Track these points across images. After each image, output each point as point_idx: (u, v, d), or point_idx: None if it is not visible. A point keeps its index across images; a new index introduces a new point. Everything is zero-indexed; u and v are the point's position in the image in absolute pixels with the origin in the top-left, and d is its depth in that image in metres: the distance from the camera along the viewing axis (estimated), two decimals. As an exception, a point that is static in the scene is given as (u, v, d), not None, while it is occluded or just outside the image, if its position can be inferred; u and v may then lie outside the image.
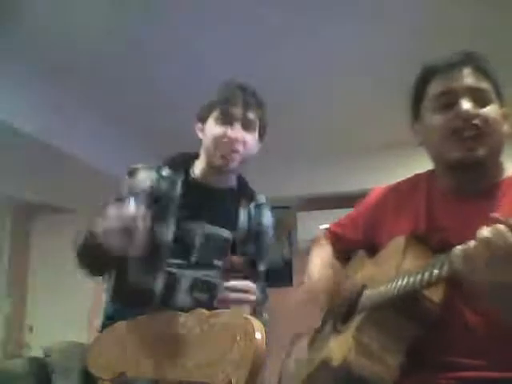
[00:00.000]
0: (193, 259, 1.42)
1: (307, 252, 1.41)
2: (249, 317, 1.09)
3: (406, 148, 2.98)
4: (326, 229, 1.40)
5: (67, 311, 4.76)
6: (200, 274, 1.41)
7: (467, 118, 1.01)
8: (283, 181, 4.16)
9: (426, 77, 1.11)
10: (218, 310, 1.17)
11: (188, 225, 1.43)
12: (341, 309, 1.15)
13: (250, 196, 1.55)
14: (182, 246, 1.42)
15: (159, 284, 1.38)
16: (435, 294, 0.96)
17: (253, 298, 1.28)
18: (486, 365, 0.95)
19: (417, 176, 1.22)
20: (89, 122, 3.64)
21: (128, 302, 1.41)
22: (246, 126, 1.43)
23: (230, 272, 1.31)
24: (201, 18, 2.56)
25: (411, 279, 0.91)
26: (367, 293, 1.06)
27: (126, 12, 2.51)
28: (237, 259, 1.35)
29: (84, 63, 2.94)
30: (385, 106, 3.41)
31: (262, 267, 1.55)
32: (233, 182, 1.55)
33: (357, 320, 1.02)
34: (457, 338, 0.97)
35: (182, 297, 1.39)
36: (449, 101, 1.04)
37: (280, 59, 2.95)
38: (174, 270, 1.40)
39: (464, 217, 1.03)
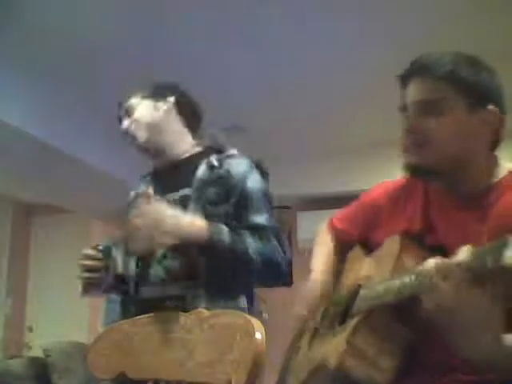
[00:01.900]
0: None
1: (307, 252, 1.41)
2: (249, 317, 1.09)
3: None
4: (328, 221, 1.40)
5: (67, 311, 4.76)
6: None
7: (408, 134, 1.07)
8: (283, 181, 4.16)
9: (401, 85, 1.13)
10: (218, 311, 1.17)
11: None
12: (338, 309, 1.15)
13: (215, 152, 1.53)
14: None
15: (131, 268, 1.44)
16: None
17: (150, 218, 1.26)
18: (479, 368, 0.95)
19: None
20: (89, 123, 3.64)
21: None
22: (129, 113, 1.57)
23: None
24: (202, 19, 2.56)
25: (404, 284, 0.92)
26: (362, 294, 1.06)
27: (126, 11, 2.51)
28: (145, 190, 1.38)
29: (84, 64, 2.94)
30: (386, 105, 3.41)
31: (254, 218, 1.40)
32: (185, 152, 1.56)
33: (352, 323, 1.02)
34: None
35: (155, 268, 1.41)
36: (405, 115, 1.09)
37: (280, 59, 2.95)
38: None
39: (455, 219, 1.03)
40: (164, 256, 1.39)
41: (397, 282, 0.94)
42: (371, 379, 0.95)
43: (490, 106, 1.03)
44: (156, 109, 1.56)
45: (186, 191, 1.44)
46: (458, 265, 0.81)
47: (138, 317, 1.31)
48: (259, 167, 1.51)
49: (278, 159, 4.19)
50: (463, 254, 0.81)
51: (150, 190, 1.36)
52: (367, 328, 0.99)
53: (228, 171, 1.44)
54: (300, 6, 2.46)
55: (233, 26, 2.63)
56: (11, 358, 4.06)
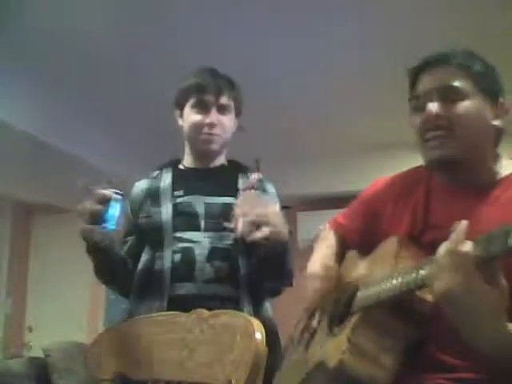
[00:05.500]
0: (202, 227, 1.45)
1: (307, 252, 1.41)
2: (249, 317, 1.09)
3: (406, 148, 2.98)
4: (331, 220, 1.40)
5: (67, 311, 4.76)
6: (217, 241, 1.44)
7: (431, 119, 1.04)
8: (283, 181, 4.15)
9: (411, 78, 1.13)
10: (218, 311, 1.17)
11: (186, 199, 1.50)
12: (335, 309, 1.15)
13: (246, 170, 1.58)
14: (187, 218, 1.46)
15: (167, 263, 1.42)
16: (428, 295, 0.96)
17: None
18: (480, 366, 0.95)
19: (417, 169, 1.22)
20: (89, 122, 3.64)
21: (142, 289, 1.45)
22: (221, 110, 1.53)
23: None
24: (202, 19, 2.56)
25: (404, 280, 0.92)
26: (361, 293, 1.06)
27: (126, 14, 2.51)
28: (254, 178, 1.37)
29: (84, 63, 2.94)
30: (385, 106, 3.41)
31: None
32: (222, 161, 1.62)
33: (351, 321, 1.02)
34: (451, 339, 0.97)
35: (203, 267, 1.41)
36: (422, 103, 1.07)
37: (281, 60, 2.95)
38: (187, 244, 1.44)
39: (459, 215, 1.03)
40: (210, 256, 1.41)
41: (397, 280, 0.94)
42: (373, 377, 0.95)
43: (501, 100, 1.06)
44: (233, 125, 1.59)
45: (230, 200, 1.47)
46: (467, 253, 0.82)
47: (138, 317, 1.31)
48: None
49: (278, 159, 4.20)
50: (469, 243, 0.82)
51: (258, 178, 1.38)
52: (367, 325, 0.99)
53: (264, 190, 1.51)
54: (299, 6, 2.46)
55: (232, 26, 2.63)
56: (11, 358, 4.05)
